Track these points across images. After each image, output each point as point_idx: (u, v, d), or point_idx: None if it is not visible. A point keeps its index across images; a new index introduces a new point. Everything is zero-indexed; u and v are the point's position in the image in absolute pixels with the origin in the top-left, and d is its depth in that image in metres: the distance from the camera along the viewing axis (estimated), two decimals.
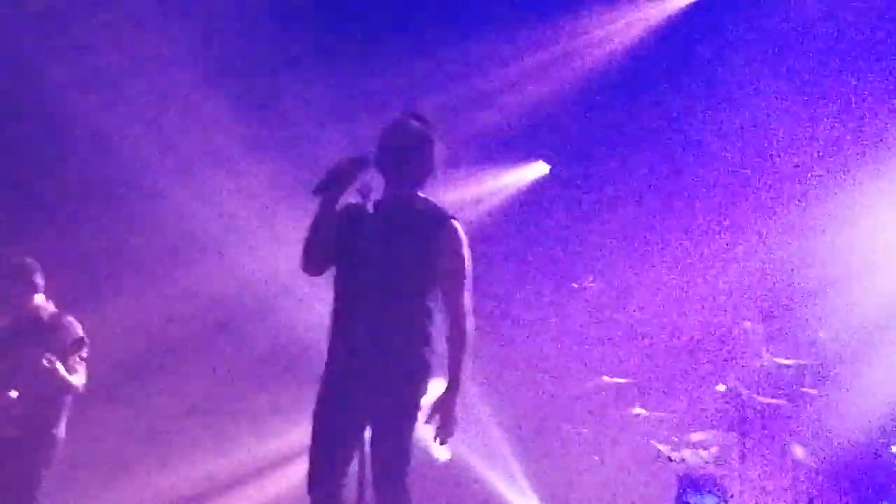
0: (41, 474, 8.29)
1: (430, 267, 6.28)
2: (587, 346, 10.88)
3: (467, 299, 6.33)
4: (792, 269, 10.20)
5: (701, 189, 10.93)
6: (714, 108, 10.74)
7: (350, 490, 6.21)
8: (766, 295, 10.29)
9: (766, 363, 9.72)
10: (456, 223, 6.38)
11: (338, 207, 6.34)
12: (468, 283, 6.35)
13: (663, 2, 10.97)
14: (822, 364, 9.54)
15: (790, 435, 9.38)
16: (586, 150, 11.19)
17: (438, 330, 6.26)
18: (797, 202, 10.44)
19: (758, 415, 9.59)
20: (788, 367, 9.60)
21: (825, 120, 10.43)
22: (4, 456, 8.20)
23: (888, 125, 10.19)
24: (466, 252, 6.38)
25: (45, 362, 8.04)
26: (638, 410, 10.11)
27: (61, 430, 8.35)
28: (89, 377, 8.40)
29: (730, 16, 10.65)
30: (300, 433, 9.51)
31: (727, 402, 9.76)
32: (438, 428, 6.19)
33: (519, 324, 11.17)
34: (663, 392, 10.33)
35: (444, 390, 6.20)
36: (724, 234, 10.82)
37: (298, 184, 10.49)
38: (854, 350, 9.54)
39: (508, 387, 10.89)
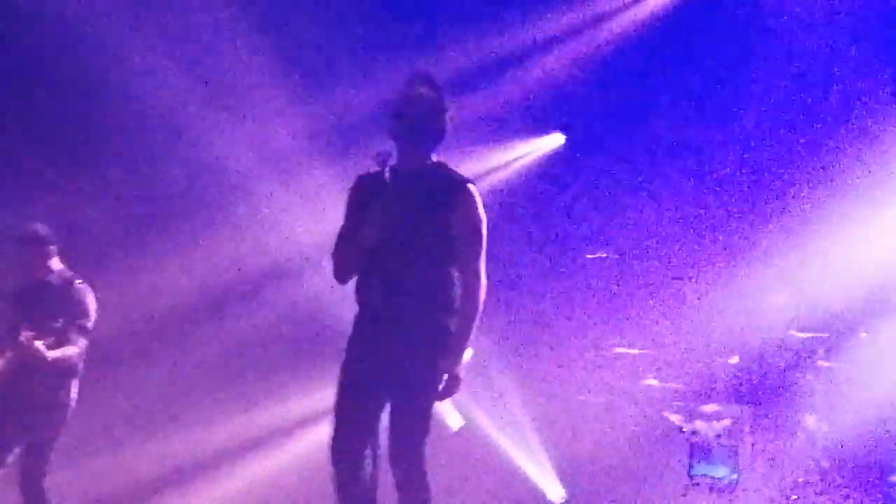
0: (49, 439, 8.29)
1: (447, 233, 6.26)
2: (600, 317, 10.88)
3: (482, 264, 6.32)
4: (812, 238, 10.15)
5: (719, 160, 10.90)
6: (735, 80, 10.71)
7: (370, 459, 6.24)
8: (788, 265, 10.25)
9: (780, 335, 9.73)
10: (472, 187, 6.36)
11: (353, 181, 6.43)
12: (483, 247, 6.34)
13: None
14: (836, 336, 9.53)
15: (803, 407, 9.39)
16: (603, 120, 11.15)
17: (459, 297, 6.24)
18: (818, 175, 10.41)
19: (771, 387, 9.61)
20: (803, 339, 9.61)
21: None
22: (12, 421, 8.23)
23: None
24: (482, 217, 6.35)
25: (21, 338, 8.05)
26: (650, 381, 10.14)
27: (69, 396, 8.34)
28: (98, 344, 8.42)
29: None
30: (320, 399, 9.71)
31: (740, 374, 9.79)
32: (442, 391, 6.18)
33: (533, 294, 11.19)
34: (676, 363, 10.32)
35: (447, 349, 6.19)
36: (744, 204, 10.79)
37: (320, 149, 10.59)
38: (868, 322, 9.53)
39: (522, 356, 10.91)
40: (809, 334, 9.60)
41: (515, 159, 11.24)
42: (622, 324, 10.80)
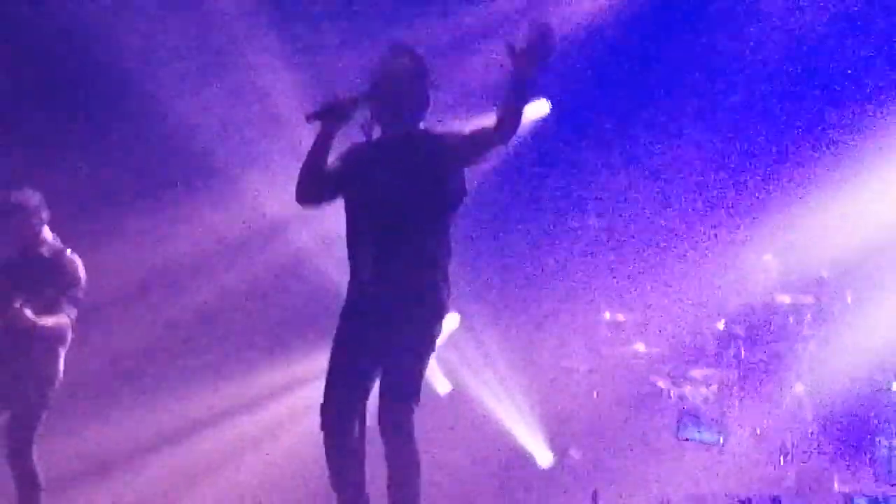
0: (37, 410, 8.17)
1: (440, 193, 6.21)
2: (590, 283, 10.90)
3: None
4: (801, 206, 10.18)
5: (707, 124, 10.91)
6: (724, 49, 10.72)
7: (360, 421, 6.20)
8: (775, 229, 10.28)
9: (768, 299, 9.76)
10: (448, 128, 6.34)
11: (343, 148, 6.32)
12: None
13: None
14: (823, 302, 9.57)
15: (790, 371, 9.43)
16: (591, 87, 11.14)
17: (449, 266, 6.21)
18: (805, 139, 10.43)
19: (758, 352, 9.65)
20: (790, 303, 9.64)
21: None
22: (3, 391, 8.14)
23: None
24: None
25: (15, 304, 7.98)
26: (638, 346, 10.18)
27: (57, 366, 8.24)
28: (88, 314, 8.37)
29: None
30: (309, 365, 9.74)
31: (727, 339, 9.82)
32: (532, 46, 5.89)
33: (522, 260, 11.21)
34: (664, 328, 10.36)
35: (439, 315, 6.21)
36: (732, 168, 10.82)
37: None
38: (855, 289, 9.57)
39: (511, 321, 10.93)
40: (796, 298, 9.64)
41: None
42: (611, 290, 10.83)
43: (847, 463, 9.03)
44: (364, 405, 6.15)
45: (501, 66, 6.00)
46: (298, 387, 10.29)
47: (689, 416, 9.57)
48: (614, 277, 10.94)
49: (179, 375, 10.44)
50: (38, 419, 8.18)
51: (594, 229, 10.98)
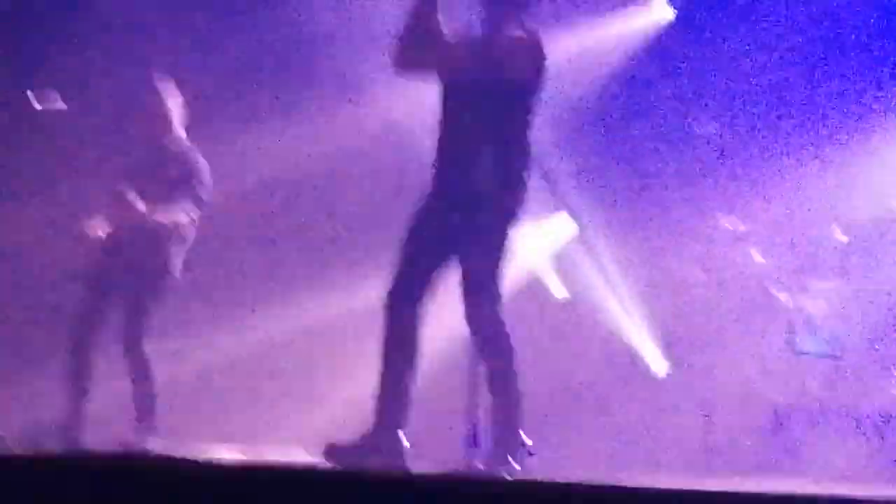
0: (148, 305, 8.25)
1: (519, 98, 6.32)
2: (707, 190, 10.81)
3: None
4: None
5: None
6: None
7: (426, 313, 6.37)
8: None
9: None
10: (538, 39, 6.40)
11: (444, 32, 6.39)
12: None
13: None
14: None
15: None
16: None
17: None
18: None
19: (878, 264, 9.58)
20: None
21: None
22: (119, 282, 8.25)
23: None
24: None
25: (127, 195, 8.00)
26: (755, 255, 10.11)
27: (171, 264, 8.26)
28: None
29: None
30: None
31: (847, 250, 9.73)
32: None
33: (638, 166, 11.11)
34: (782, 238, 10.26)
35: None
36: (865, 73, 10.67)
37: None
38: None
39: (628, 229, 10.88)
40: None
41: (622, 32, 11.09)
42: (729, 196, 10.74)
43: None
44: (432, 293, 6.35)
45: None
46: None
47: (806, 327, 9.53)
48: (733, 183, 10.83)
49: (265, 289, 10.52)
50: (146, 314, 8.25)
51: (713, 135, 10.86)
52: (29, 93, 8.57)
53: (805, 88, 10.75)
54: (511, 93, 6.27)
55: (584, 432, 9.76)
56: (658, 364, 10.48)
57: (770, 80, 10.89)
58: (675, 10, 10.98)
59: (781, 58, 10.80)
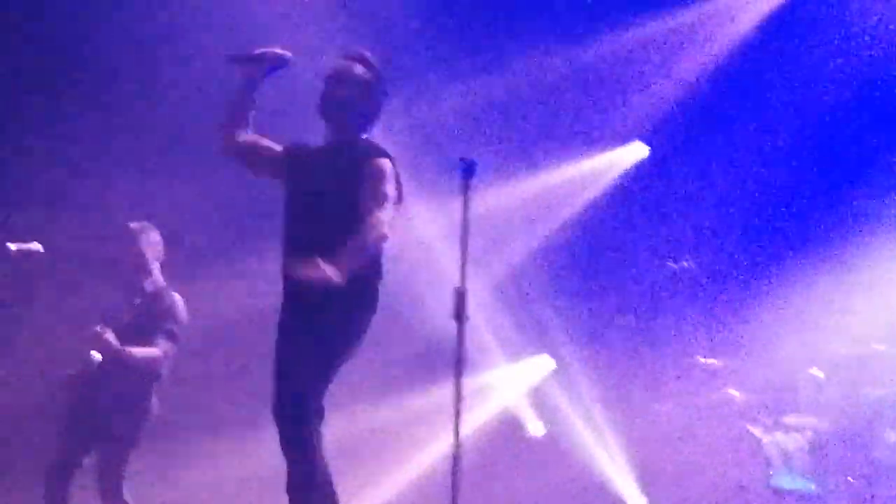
0: (126, 444, 8.12)
1: (346, 207, 6.09)
2: (684, 327, 10.89)
3: (383, 216, 6.02)
4: None
5: (805, 168, 10.89)
6: (815, 86, 10.73)
7: None
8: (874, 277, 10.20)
9: (864, 350, 9.70)
10: (382, 160, 6.17)
11: (286, 144, 6.37)
12: (384, 205, 6.05)
13: None
14: None
15: (884, 422, 9.35)
16: (684, 130, 11.16)
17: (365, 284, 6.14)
18: None
19: (853, 401, 9.59)
20: (886, 353, 9.59)
21: None
22: (92, 425, 8.11)
23: None
24: (384, 182, 6.11)
25: (97, 328, 7.96)
26: (732, 392, 10.13)
27: (148, 401, 8.17)
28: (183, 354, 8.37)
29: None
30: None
31: (823, 387, 9.77)
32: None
33: (616, 303, 11.22)
34: (759, 374, 10.30)
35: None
36: (832, 214, 10.76)
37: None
38: None
39: (604, 365, 10.93)
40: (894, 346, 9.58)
41: (599, 170, 11.26)
42: (705, 334, 10.80)
43: None
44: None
45: None
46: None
47: (783, 464, 9.51)
48: (708, 321, 10.90)
49: None
50: (126, 454, 8.12)
51: (688, 272, 10.95)
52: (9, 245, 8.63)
53: (785, 225, 10.87)
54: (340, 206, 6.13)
55: None
56: (635, 500, 10.43)
57: (750, 217, 11.03)
58: (650, 149, 11.13)
59: (761, 193, 10.95)
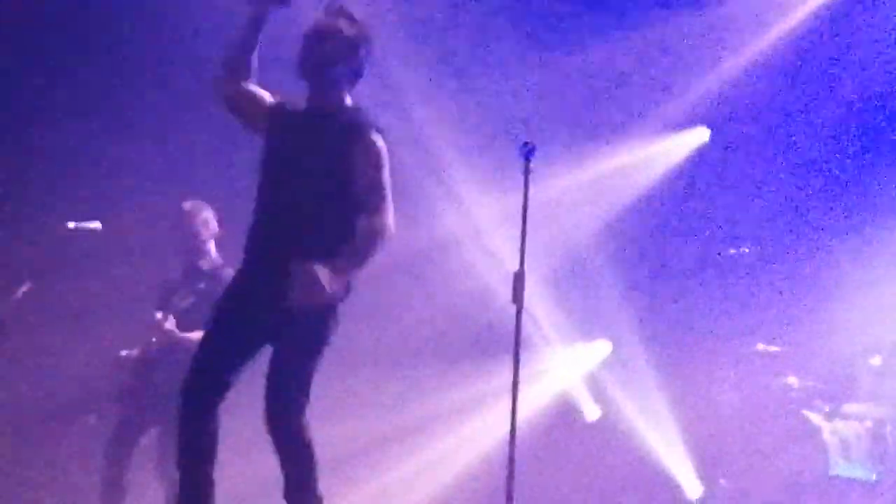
0: None
1: (343, 185, 5.80)
2: (742, 313, 10.83)
3: (388, 212, 5.82)
4: None
5: (871, 156, 10.82)
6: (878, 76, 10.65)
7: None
8: None
9: None
10: (376, 138, 5.88)
11: (272, 96, 6.05)
12: (387, 196, 5.83)
13: None
14: None
15: None
16: (747, 117, 11.10)
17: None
18: None
19: None
20: None
21: None
22: (150, 406, 8.20)
23: None
24: (383, 166, 5.86)
25: (158, 316, 8.10)
26: (791, 379, 10.08)
27: None
28: None
29: None
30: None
31: (883, 375, 9.71)
32: (296, 289, 5.62)
33: (675, 289, 11.18)
34: (818, 362, 10.25)
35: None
36: (890, 200, 10.68)
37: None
38: None
39: (663, 350, 10.89)
40: None
41: (660, 154, 11.21)
42: (764, 321, 10.75)
43: None
44: (230, 388, 5.84)
45: None
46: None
47: (842, 452, 9.47)
48: (768, 308, 10.85)
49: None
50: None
51: (749, 258, 10.89)
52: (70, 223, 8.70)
53: (845, 210, 10.80)
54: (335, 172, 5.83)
55: None
56: (692, 487, 10.40)
57: (810, 202, 10.96)
58: (711, 132, 11.08)
59: (818, 178, 10.89)
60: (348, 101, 6.01)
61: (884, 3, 10.60)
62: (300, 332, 5.79)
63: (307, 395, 5.81)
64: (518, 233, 6.50)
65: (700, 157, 11.22)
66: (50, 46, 9.79)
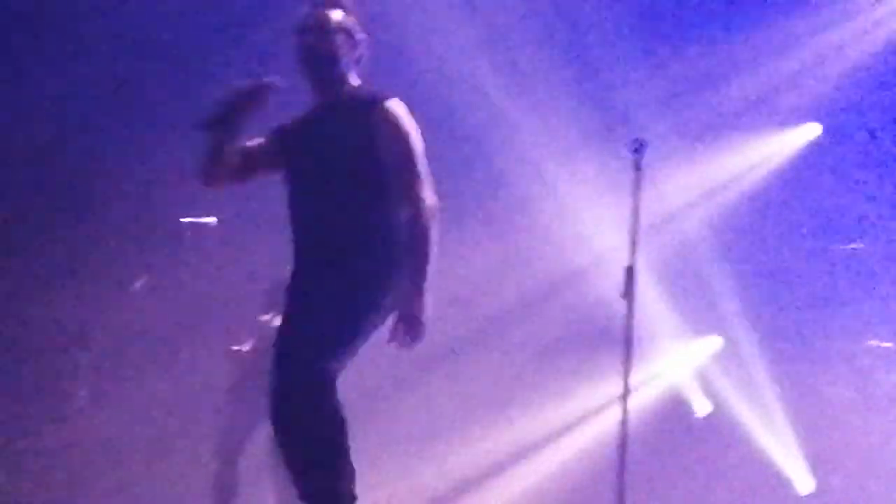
0: None
1: (364, 164, 5.44)
2: (854, 309, 10.78)
3: (424, 187, 5.44)
4: None
5: None
6: None
7: None
8: None
9: None
10: (390, 103, 5.50)
11: (264, 135, 5.70)
12: (420, 167, 5.45)
13: None
14: None
15: None
16: (860, 108, 11.03)
17: (391, 235, 5.43)
18: None
19: None
20: None
21: None
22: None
23: None
24: (410, 131, 5.47)
25: (268, 317, 8.14)
26: None
27: None
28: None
29: None
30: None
31: None
32: (394, 332, 5.30)
33: (789, 284, 11.13)
34: None
35: (405, 298, 5.32)
36: None
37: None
38: None
39: (775, 344, 10.87)
40: None
41: (773, 150, 11.18)
42: (876, 317, 10.69)
43: None
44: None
45: None
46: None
47: None
48: (883, 304, 10.78)
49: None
50: None
51: (861, 254, 10.83)
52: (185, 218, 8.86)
53: None
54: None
55: None
56: (803, 482, 10.39)
57: None
58: (823, 127, 11.04)
59: None
60: (355, 81, 5.70)
61: None
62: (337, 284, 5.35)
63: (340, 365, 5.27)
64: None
65: (812, 154, 11.17)
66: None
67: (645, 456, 9.38)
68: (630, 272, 6.62)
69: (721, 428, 10.66)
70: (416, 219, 5.37)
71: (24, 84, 9.74)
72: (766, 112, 11.01)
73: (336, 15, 5.65)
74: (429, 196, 5.41)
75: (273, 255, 8.91)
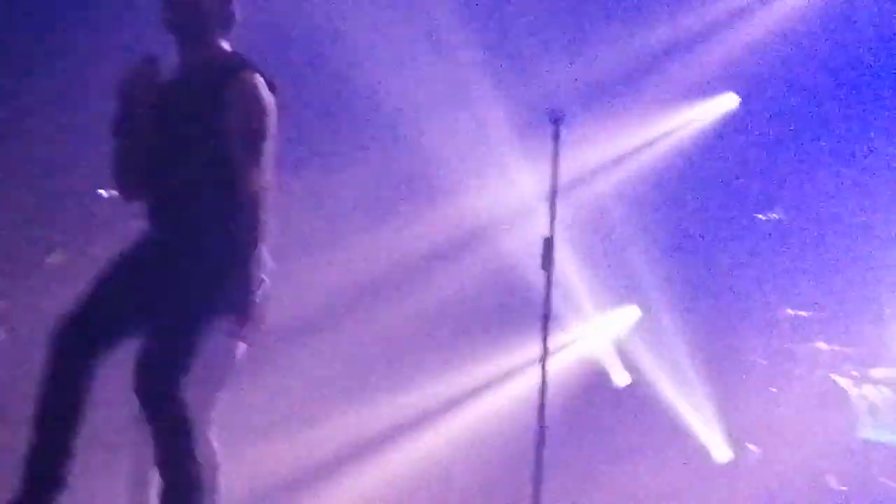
0: None
1: (214, 139, 5.24)
2: (771, 278, 10.86)
3: (260, 171, 5.27)
4: None
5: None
6: None
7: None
8: None
9: None
10: (249, 74, 5.28)
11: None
12: (258, 151, 5.26)
13: None
14: None
15: None
16: (779, 81, 11.09)
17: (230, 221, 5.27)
18: None
19: None
20: None
21: None
22: None
23: None
24: (262, 111, 5.27)
25: None
26: (820, 344, 10.10)
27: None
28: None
29: None
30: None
31: None
32: (229, 327, 5.34)
33: (702, 253, 11.19)
34: (847, 326, 10.26)
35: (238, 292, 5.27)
36: None
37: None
38: None
39: (691, 314, 10.93)
40: None
41: (689, 121, 11.22)
42: (793, 285, 10.77)
43: None
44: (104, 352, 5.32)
45: None
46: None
47: (870, 416, 9.49)
48: (798, 273, 10.86)
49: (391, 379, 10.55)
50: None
51: (779, 223, 10.89)
52: None
53: (875, 175, 10.79)
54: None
55: None
56: (720, 451, 10.46)
57: (840, 167, 10.95)
58: (740, 99, 11.08)
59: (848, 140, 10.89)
60: (226, 46, 5.48)
61: None
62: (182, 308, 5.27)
63: (187, 366, 5.21)
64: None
65: (729, 124, 11.22)
66: None
67: (564, 428, 9.40)
68: (549, 243, 6.61)
69: (638, 397, 10.70)
70: (241, 206, 5.20)
71: None
72: (683, 84, 11.04)
73: None
74: (258, 182, 5.22)
75: None
